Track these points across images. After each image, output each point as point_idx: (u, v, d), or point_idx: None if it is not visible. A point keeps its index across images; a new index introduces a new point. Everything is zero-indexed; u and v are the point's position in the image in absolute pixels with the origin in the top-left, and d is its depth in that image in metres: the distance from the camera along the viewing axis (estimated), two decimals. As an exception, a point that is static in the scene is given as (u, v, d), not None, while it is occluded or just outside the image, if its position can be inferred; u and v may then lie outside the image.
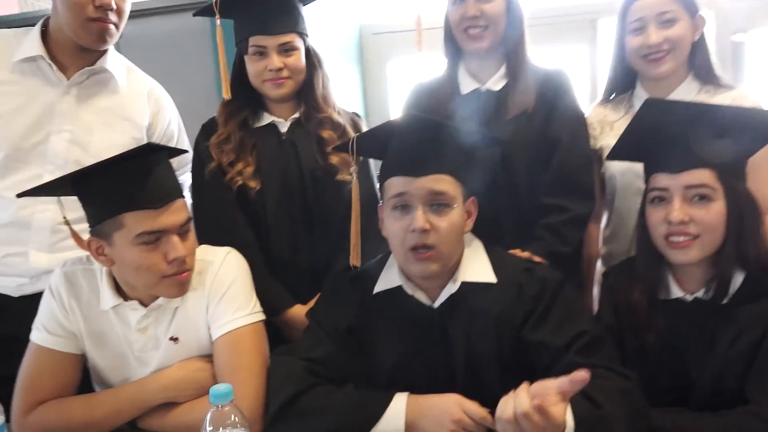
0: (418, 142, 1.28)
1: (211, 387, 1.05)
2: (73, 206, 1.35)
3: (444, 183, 1.27)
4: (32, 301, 1.45)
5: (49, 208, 1.63)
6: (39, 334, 1.39)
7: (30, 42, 1.70)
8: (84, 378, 1.44)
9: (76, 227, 1.37)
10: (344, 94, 3.20)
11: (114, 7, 1.67)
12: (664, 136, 1.26)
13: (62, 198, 1.40)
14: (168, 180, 1.34)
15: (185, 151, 1.55)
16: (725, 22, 3.77)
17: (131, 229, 1.26)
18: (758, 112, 1.30)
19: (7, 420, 1.29)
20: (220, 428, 1.04)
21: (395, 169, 1.30)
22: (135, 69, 1.90)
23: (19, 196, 1.32)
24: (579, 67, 3.20)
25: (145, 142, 1.80)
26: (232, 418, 1.06)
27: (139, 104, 1.83)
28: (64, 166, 1.67)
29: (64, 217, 1.36)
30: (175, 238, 1.31)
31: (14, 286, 1.69)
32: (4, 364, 1.42)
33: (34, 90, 1.69)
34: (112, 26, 1.69)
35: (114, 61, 1.80)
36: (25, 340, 1.41)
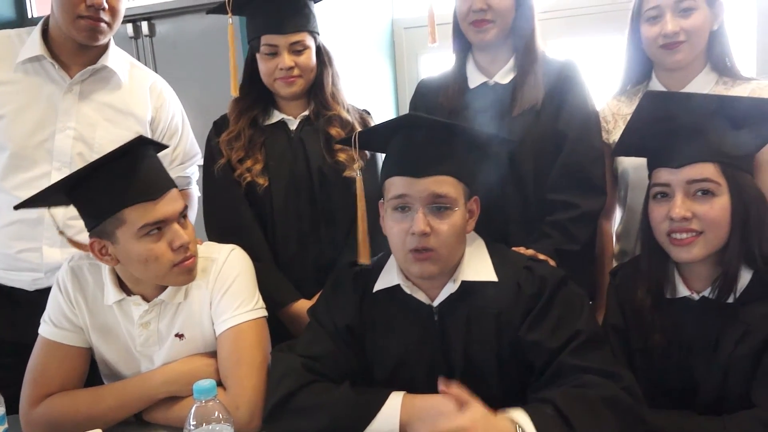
0: (421, 142, 1.30)
1: (195, 382, 1.10)
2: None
3: (446, 185, 1.28)
4: (47, 295, 1.51)
5: (57, 210, 1.71)
6: (47, 328, 1.46)
7: (31, 42, 1.78)
8: (94, 371, 1.51)
9: (77, 222, 1.42)
10: (376, 89, 3.23)
11: (105, 6, 1.73)
12: (665, 129, 1.26)
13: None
14: (159, 172, 1.40)
15: (167, 146, 1.59)
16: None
17: (133, 223, 1.32)
18: (766, 102, 1.26)
19: (9, 411, 1.36)
20: (204, 423, 1.09)
21: (396, 168, 1.32)
22: (138, 64, 1.97)
23: (16, 208, 1.39)
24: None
25: (148, 136, 1.86)
26: (216, 414, 1.10)
27: (141, 99, 1.90)
28: (70, 163, 1.76)
29: (58, 228, 1.42)
30: (177, 226, 1.37)
31: (29, 281, 1.78)
32: (23, 357, 1.48)
33: (37, 89, 1.78)
34: (103, 24, 1.75)
35: (116, 57, 1.87)
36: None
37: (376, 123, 1.69)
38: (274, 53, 1.73)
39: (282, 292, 1.76)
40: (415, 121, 1.34)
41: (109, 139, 1.79)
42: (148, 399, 1.41)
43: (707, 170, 1.22)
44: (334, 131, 1.78)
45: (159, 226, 1.34)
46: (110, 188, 1.32)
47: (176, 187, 1.41)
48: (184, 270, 1.39)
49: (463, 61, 1.79)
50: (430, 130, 1.31)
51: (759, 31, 2.84)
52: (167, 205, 1.35)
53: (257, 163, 1.77)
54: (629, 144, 1.36)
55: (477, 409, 1.12)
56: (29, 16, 3.07)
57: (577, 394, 1.16)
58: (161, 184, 1.37)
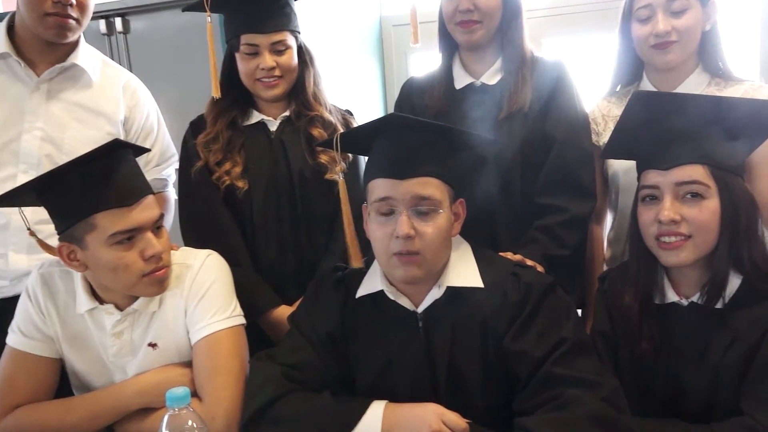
0: (403, 143, 1.28)
1: (168, 390, 1.08)
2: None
3: (430, 186, 1.27)
4: (12, 304, 1.49)
5: (26, 208, 1.66)
6: (15, 337, 1.43)
7: None
8: (64, 382, 1.48)
9: (46, 227, 1.40)
10: (364, 88, 3.21)
11: (73, 2, 1.70)
12: (654, 130, 1.25)
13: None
14: (136, 176, 1.37)
15: (149, 150, 1.56)
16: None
17: (104, 230, 1.29)
18: (758, 103, 1.26)
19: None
20: (177, 432, 1.06)
21: (379, 170, 1.30)
22: (110, 63, 1.94)
23: None
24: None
25: (121, 136, 1.84)
26: (190, 423, 1.08)
27: (113, 98, 1.86)
28: (37, 165, 1.73)
29: (28, 228, 1.39)
30: (150, 235, 1.34)
31: None
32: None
33: (2, 88, 1.75)
34: (72, 21, 1.72)
35: (86, 55, 1.83)
36: (4, 343, 1.45)
37: (360, 124, 1.67)
38: (255, 53, 1.70)
39: (262, 298, 1.73)
40: (398, 121, 1.33)
41: (79, 140, 1.76)
42: (120, 410, 1.38)
43: (696, 172, 1.21)
44: (316, 132, 1.76)
45: (131, 235, 1.31)
46: (82, 191, 1.28)
47: (153, 193, 1.39)
48: (155, 281, 1.36)
49: (450, 61, 1.78)
50: (412, 131, 1.30)
51: (762, 35, 2.86)
52: (142, 212, 1.32)
53: (236, 166, 1.74)
54: (618, 146, 1.36)
55: None
56: (-3, 11, 3.01)
57: (559, 420, 1.15)
58: (137, 189, 1.34)
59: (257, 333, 1.68)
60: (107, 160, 1.31)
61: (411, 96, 1.82)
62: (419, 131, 1.30)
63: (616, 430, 1.14)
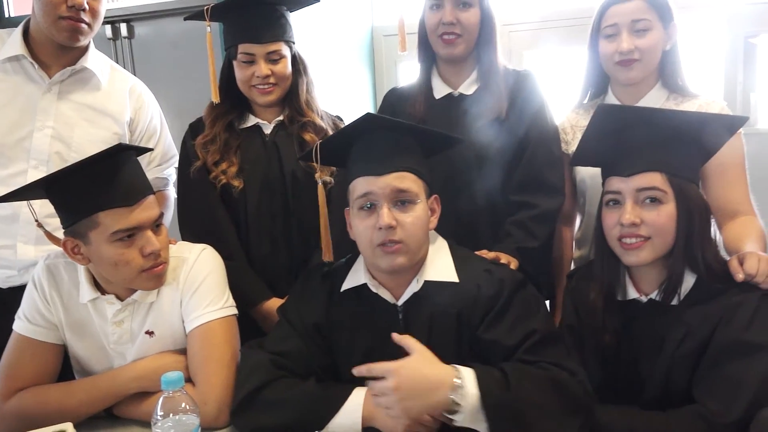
0: (379, 142, 1.34)
1: (163, 374, 1.11)
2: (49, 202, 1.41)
3: (407, 180, 1.32)
4: (20, 293, 1.52)
5: (35, 201, 1.71)
6: (21, 324, 1.46)
7: (12, 42, 1.78)
8: (66, 366, 1.52)
9: (53, 220, 1.43)
10: (355, 95, 3.27)
11: (86, 7, 1.74)
12: (617, 141, 1.30)
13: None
14: (138, 177, 1.40)
15: (151, 149, 1.59)
16: (738, 25, 3.77)
17: (107, 228, 1.33)
18: (710, 117, 1.33)
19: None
20: (171, 414, 1.10)
21: (359, 170, 1.35)
22: (118, 68, 1.97)
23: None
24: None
25: (126, 137, 1.88)
26: (183, 405, 1.12)
27: (120, 101, 1.90)
28: (47, 161, 1.76)
29: (36, 221, 1.42)
30: (150, 233, 1.38)
31: (3, 278, 1.77)
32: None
33: (17, 88, 1.78)
34: (84, 25, 1.75)
35: (95, 59, 1.87)
36: (12, 329, 1.48)
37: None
38: (251, 61, 1.75)
39: (255, 290, 1.78)
40: (373, 121, 1.37)
41: (87, 138, 1.80)
42: (118, 394, 1.42)
43: (655, 179, 1.27)
44: (308, 136, 1.81)
45: (132, 233, 1.35)
46: (88, 190, 1.32)
47: (153, 193, 1.42)
48: (153, 276, 1.40)
49: (429, 72, 1.84)
50: (387, 131, 1.35)
51: (726, 59, 2.96)
52: (142, 212, 1.36)
53: (232, 166, 1.79)
54: (584, 154, 1.41)
55: (420, 353, 1.19)
56: (6, 16, 3.04)
57: (528, 369, 1.21)
58: (139, 190, 1.37)
59: (249, 324, 1.71)
60: (112, 161, 1.34)
61: (394, 105, 1.88)
62: (393, 130, 1.35)
63: (574, 404, 1.19)
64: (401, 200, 1.32)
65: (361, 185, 1.34)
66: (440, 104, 1.80)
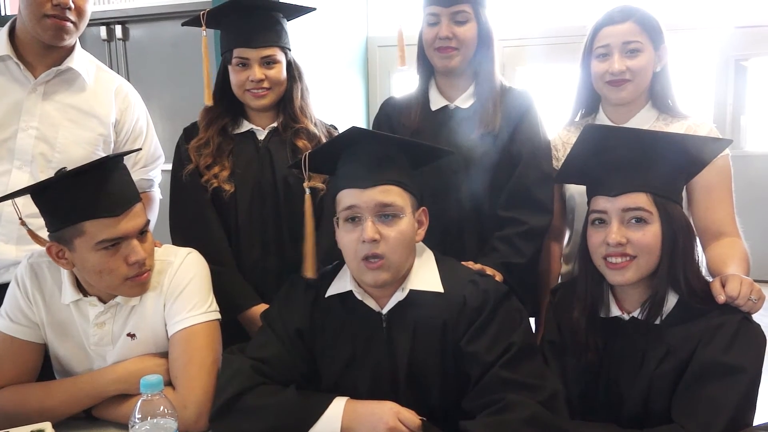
0: (364, 155, 1.33)
1: (142, 377, 1.10)
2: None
3: (392, 194, 1.31)
4: (1, 292, 1.50)
5: (16, 201, 1.69)
6: (2, 322, 1.44)
7: None
8: (46, 366, 1.49)
9: (36, 220, 1.41)
10: (348, 104, 3.27)
11: (72, 6, 1.72)
12: (603, 161, 1.30)
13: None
14: (126, 186, 1.39)
15: (140, 149, 1.56)
16: (728, 47, 3.82)
17: (92, 236, 1.31)
18: (695, 139, 1.33)
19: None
20: (149, 417, 1.08)
21: (345, 182, 1.35)
22: (104, 68, 1.95)
23: None
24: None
25: (111, 138, 1.86)
26: (161, 408, 1.10)
27: (106, 102, 1.88)
28: (31, 161, 1.74)
29: (20, 219, 1.40)
30: (135, 242, 1.36)
31: None
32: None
33: (1, 88, 1.75)
34: (69, 24, 1.73)
35: (81, 59, 1.85)
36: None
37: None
38: (246, 65, 1.74)
39: (243, 296, 1.76)
40: (359, 134, 1.36)
41: (71, 139, 1.78)
42: (98, 396, 1.40)
43: (641, 200, 1.27)
44: (301, 143, 1.80)
45: (117, 242, 1.33)
46: (75, 199, 1.30)
47: (140, 201, 1.40)
48: (137, 284, 1.39)
49: (426, 84, 1.84)
50: (373, 144, 1.34)
51: (717, 81, 2.99)
52: (129, 222, 1.34)
53: (224, 170, 1.78)
54: (570, 172, 1.41)
55: None
56: (2, 14, 3.04)
57: (498, 422, 1.21)
58: (126, 199, 1.35)
59: (236, 329, 1.70)
60: (100, 171, 1.32)
61: (389, 114, 1.87)
62: (379, 144, 1.35)
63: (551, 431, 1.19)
64: (385, 214, 1.31)
65: (346, 198, 1.33)
66: (436, 116, 1.80)
